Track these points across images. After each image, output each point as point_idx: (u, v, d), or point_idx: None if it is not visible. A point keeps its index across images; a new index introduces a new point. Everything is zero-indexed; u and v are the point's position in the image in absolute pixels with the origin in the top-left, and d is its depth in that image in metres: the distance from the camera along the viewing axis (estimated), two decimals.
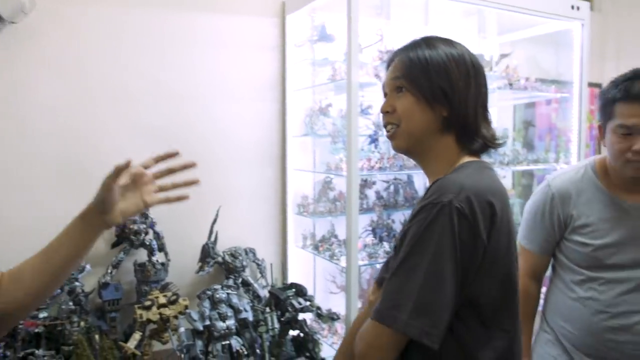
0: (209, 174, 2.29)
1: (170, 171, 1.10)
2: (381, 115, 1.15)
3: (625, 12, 3.41)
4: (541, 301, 1.77)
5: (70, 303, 1.96)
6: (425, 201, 0.97)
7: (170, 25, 2.20)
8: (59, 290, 1.93)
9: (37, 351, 1.73)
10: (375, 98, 2.33)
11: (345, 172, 1.99)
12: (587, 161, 1.63)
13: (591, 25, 2.70)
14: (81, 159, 2.07)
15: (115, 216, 1.05)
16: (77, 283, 1.98)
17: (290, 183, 2.43)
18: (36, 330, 1.85)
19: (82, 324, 1.91)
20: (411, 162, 2.22)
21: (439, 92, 1.04)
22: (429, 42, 1.09)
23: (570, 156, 2.71)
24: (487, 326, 1.01)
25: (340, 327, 2.26)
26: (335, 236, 2.37)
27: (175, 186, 1.09)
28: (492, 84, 2.59)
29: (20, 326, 1.80)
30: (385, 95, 1.15)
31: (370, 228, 2.38)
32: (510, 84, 2.59)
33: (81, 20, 2.04)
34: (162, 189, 1.10)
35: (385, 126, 1.14)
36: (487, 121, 1.11)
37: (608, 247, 1.51)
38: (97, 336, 1.87)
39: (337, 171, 2.15)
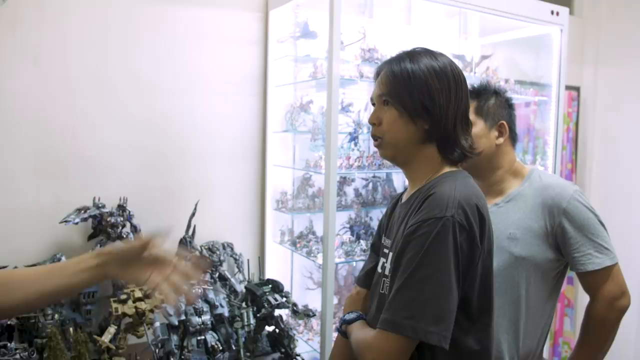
0: (188, 168, 2.29)
1: (187, 276, 1.05)
2: (370, 125, 1.23)
3: (604, 17, 3.46)
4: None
5: None
6: (426, 216, 1.04)
7: (152, 17, 2.17)
8: None
9: (9, 344, 1.71)
10: (356, 95, 2.35)
11: (323, 170, 2.00)
12: None
13: (570, 30, 2.74)
14: (58, 150, 2.05)
15: (118, 272, 1.03)
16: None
17: (269, 179, 2.43)
18: (8, 323, 1.83)
19: (56, 316, 1.89)
20: None
21: (420, 108, 1.12)
22: (412, 56, 1.16)
23: (547, 159, 2.75)
24: (472, 320, 1.10)
25: (316, 324, 2.28)
26: (313, 233, 2.38)
27: (179, 292, 1.03)
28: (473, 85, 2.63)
29: None
30: (374, 105, 1.22)
31: (347, 225, 2.40)
32: None
33: (61, 10, 2.01)
34: (170, 283, 1.04)
35: (372, 136, 1.22)
36: (466, 131, 1.18)
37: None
38: (71, 329, 1.86)
39: (315, 168, 2.16)
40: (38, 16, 1.97)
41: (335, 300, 2.49)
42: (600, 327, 1.48)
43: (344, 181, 2.46)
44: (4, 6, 1.85)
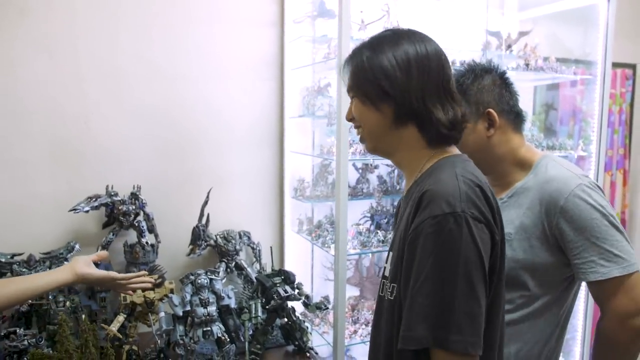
0: (203, 155, 2.24)
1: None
2: None
3: None
4: None
5: None
6: (431, 212, 0.93)
7: (162, 2, 2.12)
8: (46, 269, 1.93)
9: (18, 330, 1.73)
10: None
11: (335, 156, 1.90)
12: None
13: (625, 1, 2.48)
14: (72, 139, 2.05)
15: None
16: (65, 262, 1.97)
17: (287, 165, 2.34)
18: (23, 309, 1.85)
19: (68, 303, 1.90)
20: None
21: (379, 91, 1.04)
22: (370, 44, 1.09)
23: (591, 143, 2.52)
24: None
25: (331, 316, 2.19)
26: (332, 222, 2.28)
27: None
28: (508, 64, 2.43)
29: None
30: None
31: (368, 214, 2.28)
32: (527, 64, 2.42)
33: None
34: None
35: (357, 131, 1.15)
36: (444, 104, 1.04)
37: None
38: (84, 316, 1.86)
39: (329, 155, 2.05)
40: (49, 6, 1.96)
41: (357, 292, 2.39)
42: (610, 348, 1.25)
43: (366, 168, 2.35)
44: None
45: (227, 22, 2.22)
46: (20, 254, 1.93)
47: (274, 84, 2.33)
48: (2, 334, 1.72)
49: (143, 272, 1.66)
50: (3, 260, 1.89)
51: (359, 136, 1.14)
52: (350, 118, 1.14)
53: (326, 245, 2.07)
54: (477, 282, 0.91)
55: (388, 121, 1.05)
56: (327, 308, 1.98)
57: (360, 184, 2.33)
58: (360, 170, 2.35)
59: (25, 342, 1.70)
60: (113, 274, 1.50)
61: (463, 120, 1.06)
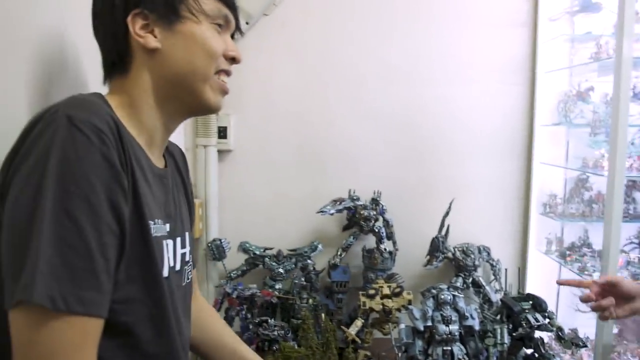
0: (443, 163, 2.16)
1: None
2: None
3: None
4: None
5: (302, 279, 2.07)
6: None
7: (406, 3, 2.11)
8: (292, 265, 2.06)
9: (270, 320, 1.87)
10: None
11: (606, 171, 1.63)
12: None
13: None
14: (316, 142, 2.16)
15: None
16: (309, 261, 2.07)
17: (535, 178, 2.12)
18: (272, 300, 2.01)
19: (310, 301, 1.99)
20: None
21: None
22: None
23: None
24: None
25: (586, 355, 1.90)
26: (589, 245, 2.00)
27: None
28: None
29: (258, 294, 1.97)
30: None
31: (636, 240, 1.94)
32: None
33: (320, 8, 2.11)
34: None
35: None
36: None
37: None
38: (323, 315, 1.94)
39: (595, 169, 1.79)
40: (303, 17, 2.11)
41: (615, 330, 2.04)
42: None
43: (633, 185, 2.00)
44: (276, 10, 2.06)
45: (473, 24, 2.11)
46: (270, 249, 2.09)
47: (522, 89, 2.13)
48: (257, 320, 1.88)
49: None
50: (257, 252, 2.08)
51: None
52: None
53: (586, 271, 1.81)
54: None
55: None
56: (586, 346, 1.72)
57: (625, 203, 1.99)
58: (625, 188, 2.01)
59: (275, 333, 1.83)
60: None
61: None
